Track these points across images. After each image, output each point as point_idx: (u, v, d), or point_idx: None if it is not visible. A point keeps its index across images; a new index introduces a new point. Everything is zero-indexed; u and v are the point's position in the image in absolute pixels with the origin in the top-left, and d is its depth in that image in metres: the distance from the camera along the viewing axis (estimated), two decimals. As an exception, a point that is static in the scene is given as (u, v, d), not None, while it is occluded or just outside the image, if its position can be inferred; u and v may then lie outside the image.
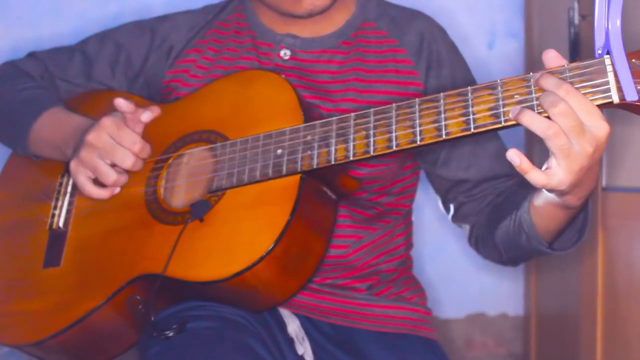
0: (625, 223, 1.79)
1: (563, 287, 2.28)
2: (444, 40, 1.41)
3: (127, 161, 1.27)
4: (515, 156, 1.01)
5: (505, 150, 1.33)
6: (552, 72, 1.02)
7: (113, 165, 1.28)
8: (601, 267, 1.88)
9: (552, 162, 1.01)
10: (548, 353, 2.44)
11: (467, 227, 1.40)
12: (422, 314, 1.44)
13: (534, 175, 1.02)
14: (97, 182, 1.30)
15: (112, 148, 1.27)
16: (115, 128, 1.27)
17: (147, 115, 1.31)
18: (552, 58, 1.03)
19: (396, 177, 1.39)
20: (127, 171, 1.30)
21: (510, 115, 1.02)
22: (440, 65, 1.38)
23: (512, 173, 1.35)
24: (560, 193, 1.06)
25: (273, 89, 1.28)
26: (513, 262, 1.36)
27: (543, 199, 1.13)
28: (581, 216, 1.18)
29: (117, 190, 1.31)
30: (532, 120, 1.00)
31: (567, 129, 0.99)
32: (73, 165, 1.30)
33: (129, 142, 1.27)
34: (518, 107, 1.02)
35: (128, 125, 1.29)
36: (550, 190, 1.05)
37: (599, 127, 0.99)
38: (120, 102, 1.29)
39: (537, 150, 2.49)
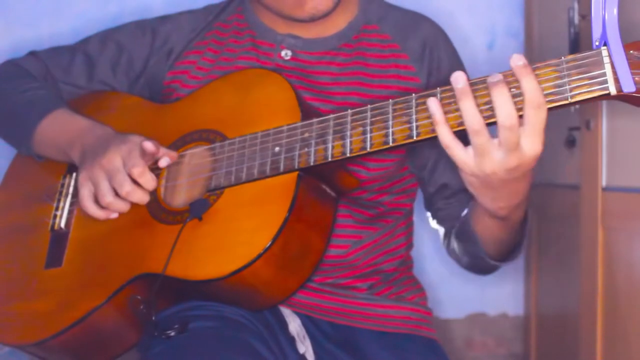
0: (625, 223, 1.79)
1: (563, 287, 2.28)
2: (445, 47, 1.41)
3: (123, 188, 1.26)
4: (433, 104, 1.02)
5: None
6: (548, 64, 1.01)
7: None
8: (601, 267, 1.88)
9: (471, 148, 1.02)
10: (548, 353, 2.44)
11: (442, 231, 1.43)
12: (423, 314, 1.44)
13: (441, 129, 1.02)
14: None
15: (116, 172, 1.26)
16: (127, 152, 1.27)
17: (165, 161, 1.30)
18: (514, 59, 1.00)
19: (396, 177, 1.39)
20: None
21: (452, 80, 1.01)
22: (440, 72, 1.38)
23: None
24: (470, 185, 1.07)
25: (272, 87, 1.28)
26: (473, 269, 1.38)
27: (474, 206, 1.17)
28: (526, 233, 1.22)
29: (114, 215, 1.29)
30: (467, 110, 1.00)
31: (505, 141, 0.99)
32: (82, 177, 1.30)
33: (130, 164, 1.26)
34: (462, 75, 1.00)
35: (137, 151, 1.27)
36: (457, 163, 1.04)
37: (534, 147, 0.99)
38: (147, 146, 1.27)
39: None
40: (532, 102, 0.98)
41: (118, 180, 1.25)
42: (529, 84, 0.98)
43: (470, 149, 1.02)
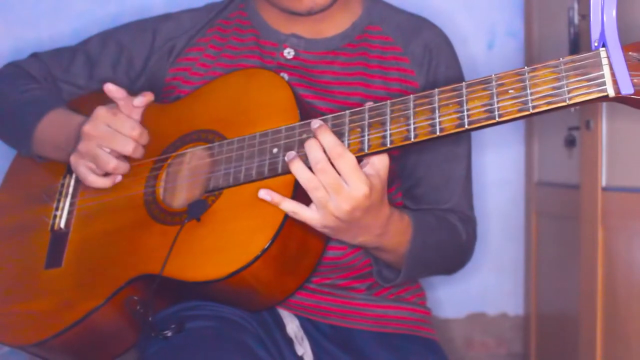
0: (625, 223, 1.79)
1: (563, 287, 2.28)
2: (446, 55, 1.41)
3: (128, 147, 1.27)
4: (266, 195, 1.13)
5: (463, 178, 1.39)
6: (546, 66, 1.02)
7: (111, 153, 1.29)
8: (601, 267, 1.88)
9: (313, 205, 1.12)
10: (548, 353, 2.44)
11: None
12: (422, 314, 1.44)
13: (285, 205, 1.13)
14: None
15: (112, 135, 1.27)
16: (111, 116, 1.27)
17: (139, 100, 1.30)
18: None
19: (395, 179, 1.39)
20: (128, 158, 1.30)
21: (286, 159, 1.13)
22: (437, 81, 1.38)
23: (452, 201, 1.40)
24: (330, 235, 1.17)
25: (270, 87, 1.28)
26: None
27: None
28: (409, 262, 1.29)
29: (119, 178, 1.31)
30: (298, 171, 1.11)
31: (326, 185, 1.09)
32: (72, 158, 1.30)
33: (128, 128, 1.27)
34: (293, 153, 1.13)
35: (123, 112, 1.29)
36: (308, 223, 1.14)
37: (357, 188, 1.08)
38: (110, 87, 1.28)
39: (536, 144, 2.49)
40: (332, 154, 1.09)
41: (119, 141, 1.27)
42: (325, 140, 1.10)
43: (312, 208, 1.13)
